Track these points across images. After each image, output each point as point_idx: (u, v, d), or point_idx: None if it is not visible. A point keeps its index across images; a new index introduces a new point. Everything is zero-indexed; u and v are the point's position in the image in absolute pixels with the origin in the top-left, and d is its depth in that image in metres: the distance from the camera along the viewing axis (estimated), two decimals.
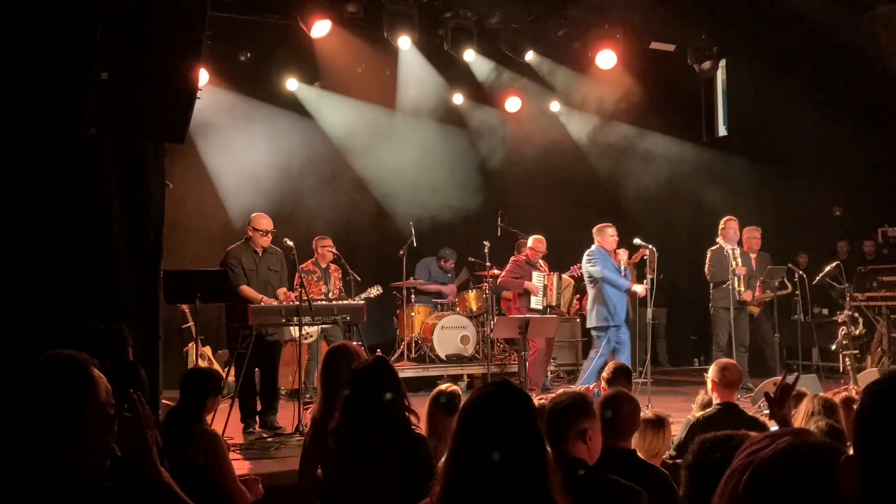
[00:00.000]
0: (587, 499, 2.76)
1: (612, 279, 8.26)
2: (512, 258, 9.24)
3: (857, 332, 8.63)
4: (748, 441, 1.40)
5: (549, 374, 10.02)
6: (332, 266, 8.48)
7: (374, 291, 8.69)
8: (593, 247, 8.44)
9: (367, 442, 3.22)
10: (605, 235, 8.40)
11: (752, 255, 9.16)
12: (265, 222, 7.25)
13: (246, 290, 7.00)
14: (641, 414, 4.01)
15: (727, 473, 1.35)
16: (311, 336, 8.33)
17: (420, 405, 4.88)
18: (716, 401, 4.83)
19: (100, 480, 1.96)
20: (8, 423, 1.99)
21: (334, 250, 8.46)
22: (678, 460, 2.78)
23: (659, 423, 4.01)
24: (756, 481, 1.29)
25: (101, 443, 2.01)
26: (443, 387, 3.93)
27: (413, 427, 3.37)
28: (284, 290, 7.30)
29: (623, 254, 8.62)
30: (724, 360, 5.26)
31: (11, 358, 4.20)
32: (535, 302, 8.97)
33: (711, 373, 4.91)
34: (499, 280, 9.22)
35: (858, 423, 1.25)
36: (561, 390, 4.41)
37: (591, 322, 8.47)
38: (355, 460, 3.23)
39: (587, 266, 8.40)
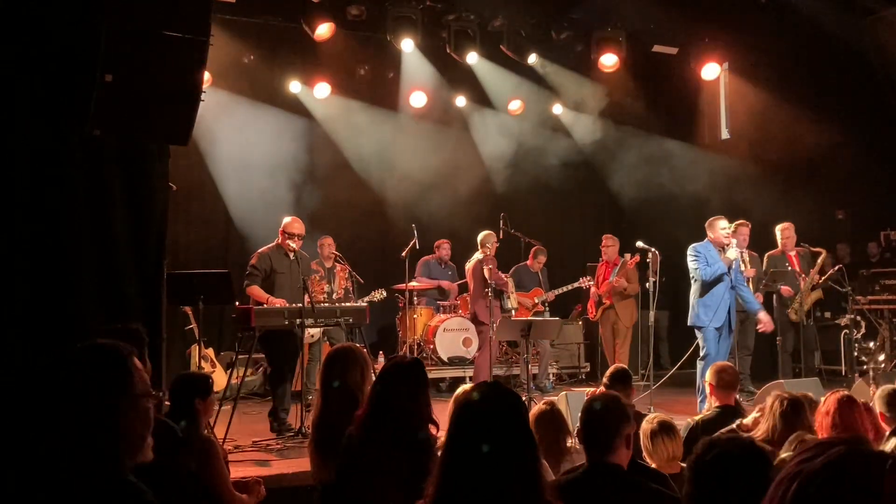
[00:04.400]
0: None
1: (706, 273, 7.52)
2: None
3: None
4: (799, 448, 1.37)
5: (551, 376, 10.03)
6: (338, 266, 8.49)
7: (378, 295, 8.68)
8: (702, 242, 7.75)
9: (383, 439, 3.21)
10: (716, 228, 7.70)
11: (791, 254, 8.94)
12: (296, 226, 7.16)
13: (255, 290, 6.99)
14: (649, 426, 3.98)
15: (776, 482, 1.30)
16: (314, 337, 8.34)
17: None
18: (714, 404, 4.88)
19: (130, 481, 1.89)
20: (41, 415, 1.95)
21: (334, 250, 8.47)
22: None
23: (668, 429, 3.99)
24: (804, 492, 1.25)
25: (138, 436, 1.94)
26: (466, 387, 3.90)
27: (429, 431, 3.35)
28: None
29: (627, 257, 8.61)
30: (721, 363, 5.31)
31: (12, 358, 4.20)
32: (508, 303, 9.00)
33: (708, 376, 4.96)
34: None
35: None
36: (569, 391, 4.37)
37: (689, 320, 7.88)
38: (369, 457, 3.22)
39: (688, 262, 7.76)
